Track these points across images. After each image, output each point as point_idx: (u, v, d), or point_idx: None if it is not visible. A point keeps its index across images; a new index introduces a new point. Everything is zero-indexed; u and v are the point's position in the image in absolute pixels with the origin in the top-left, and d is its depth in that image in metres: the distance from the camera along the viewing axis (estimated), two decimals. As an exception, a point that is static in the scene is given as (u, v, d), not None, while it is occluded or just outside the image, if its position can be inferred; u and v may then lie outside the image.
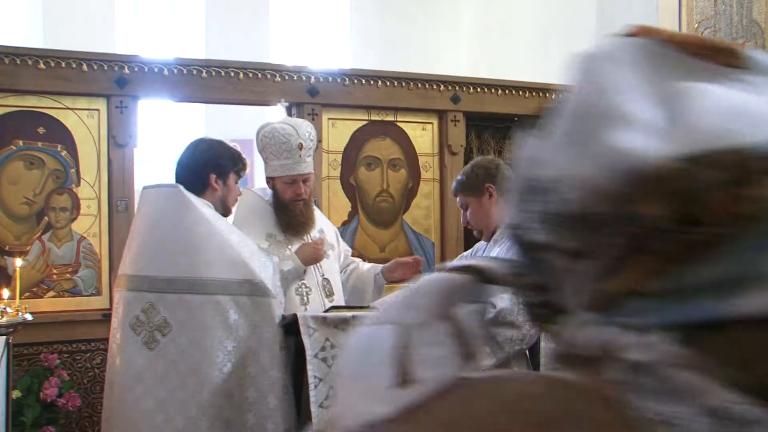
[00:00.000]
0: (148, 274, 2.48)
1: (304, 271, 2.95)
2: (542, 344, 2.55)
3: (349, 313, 2.59)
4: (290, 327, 2.54)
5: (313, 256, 2.94)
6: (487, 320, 2.58)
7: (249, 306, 2.46)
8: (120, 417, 2.48)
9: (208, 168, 2.66)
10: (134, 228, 2.70)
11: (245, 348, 2.43)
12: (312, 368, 2.41)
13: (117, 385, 2.50)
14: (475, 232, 2.86)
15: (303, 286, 2.98)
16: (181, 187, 2.58)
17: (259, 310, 2.47)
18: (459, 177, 2.82)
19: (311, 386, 2.40)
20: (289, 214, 2.99)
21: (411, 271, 3.03)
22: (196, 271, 2.44)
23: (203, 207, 2.57)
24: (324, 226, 3.23)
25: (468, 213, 2.80)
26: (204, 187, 2.65)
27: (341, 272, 3.22)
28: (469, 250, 3.00)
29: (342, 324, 2.51)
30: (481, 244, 2.83)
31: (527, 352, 2.62)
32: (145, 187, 2.78)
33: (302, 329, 2.45)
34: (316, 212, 3.26)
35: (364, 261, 3.43)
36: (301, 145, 2.94)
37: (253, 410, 2.41)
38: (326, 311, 2.79)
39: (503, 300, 2.42)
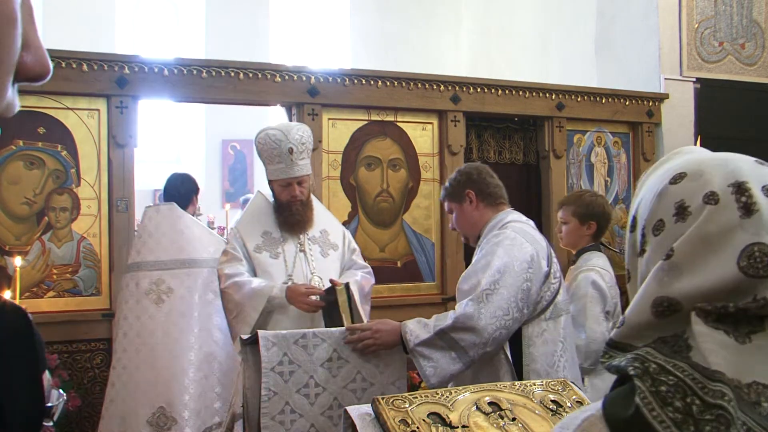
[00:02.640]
0: (157, 259, 3.53)
1: (290, 278, 3.01)
2: (525, 350, 2.47)
3: (309, 330, 2.59)
4: (255, 343, 2.57)
5: (298, 303, 2.92)
6: (447, 326, 2.50)
7: None
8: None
9: (192, 193, 3.94)
10: (142, 233, 3.64)
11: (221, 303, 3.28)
12: (267, 381, 2.44)
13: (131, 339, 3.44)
14: (462, 238, 2.86)
15: (290, 282, 3.01)
16: (175, 204, 3.68)
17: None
18: (446, 183, 2.82)
19: (264, 398, 2.43)
20: (285, 213, 3.10)
21: None
22: (192, 254, 3.57)
23: (188, 216, 3.74)
24: (328, 227, 3.24)
25: (453, 219, 2.80)
26: (188, 204, 3.83)
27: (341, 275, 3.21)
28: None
29: (301, 340, 2.54)
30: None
31: (510, 357, 2.51)
32: (147, 207, 3.77)
33: (261, 342, 2.49)
34: (323, 213, 3.30)
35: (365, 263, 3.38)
36: (292, 149, 3.01)
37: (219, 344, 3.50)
38: None
39: (461, 306, 2.40)
